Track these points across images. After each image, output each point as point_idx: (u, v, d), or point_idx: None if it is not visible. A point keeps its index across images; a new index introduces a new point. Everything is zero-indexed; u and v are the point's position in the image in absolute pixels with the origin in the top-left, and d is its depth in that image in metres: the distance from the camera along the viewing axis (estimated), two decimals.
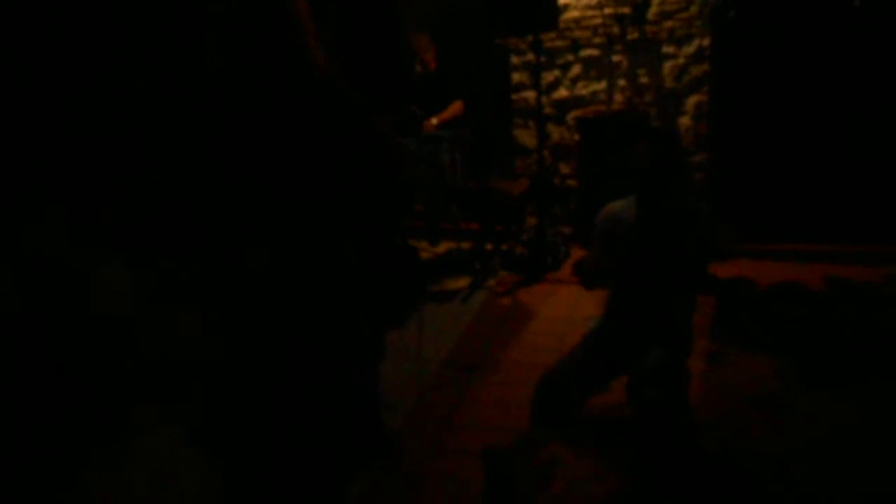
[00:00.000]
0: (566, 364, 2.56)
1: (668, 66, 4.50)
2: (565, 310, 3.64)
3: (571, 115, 4.78)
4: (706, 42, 4.38)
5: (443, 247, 4.65)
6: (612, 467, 2.32)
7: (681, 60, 4.47)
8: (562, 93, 4.81)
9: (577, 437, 2.47)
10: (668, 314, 2.43)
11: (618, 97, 4.65)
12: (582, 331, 2.78)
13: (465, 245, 4.54)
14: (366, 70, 2.25)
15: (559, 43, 4.72)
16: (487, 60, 4.95)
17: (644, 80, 4.57)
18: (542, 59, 4.51)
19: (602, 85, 4.68)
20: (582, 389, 2.53)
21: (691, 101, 4.49)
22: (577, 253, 4.33)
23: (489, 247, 4.46)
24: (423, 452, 2.47)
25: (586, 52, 4.69)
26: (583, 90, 4.76)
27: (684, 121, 4.53)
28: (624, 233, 2.43)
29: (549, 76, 4.78)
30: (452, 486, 2.29)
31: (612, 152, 4.16)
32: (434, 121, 4.32)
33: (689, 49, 4.43)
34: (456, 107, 4.41)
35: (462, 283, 4.10)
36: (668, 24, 4.43)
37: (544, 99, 4.67)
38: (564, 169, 4.93)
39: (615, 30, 4.51)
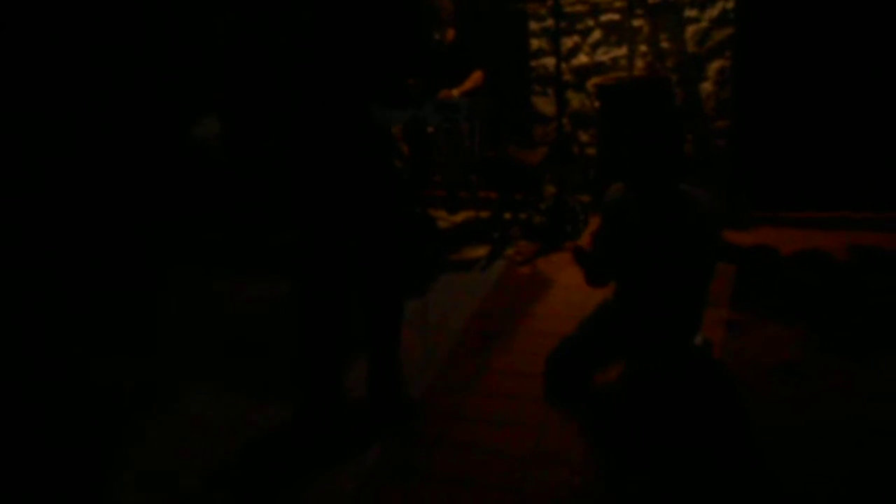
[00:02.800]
0: (575, 338, 2.57)
1: (690, 30, 4.40)
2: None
3: (591, 82, 4.70)
4: (730, 5, 4.27)
5: (461, 216, 4.64)
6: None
7: (704, 24, 4.36)
8: (581, 59, 4.73)
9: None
10: (667, 307, 2.38)
11: (639, 63, 4.56)
12: (600, 300, 2.78)
13: (484, 214, 4.53)
14: (373, 35, 2.22)
15: (579, 7, 4.63)
16: (505, 26, 4.88)
17: (665, 45, 4.48)
18: (562, 24, 4.43)
19: (623, 51, 4.59)
20: (591, 363, 2.54)
21: (714, 66, 4.40)
22: (597, 222, 4.30)
23: (508, 216, 4.45)
24: (442, 420, 2.51)
25: (607, 17, 4.60)
26: (603, 56, 4.67)
27: (706, 86, 4.44)
28: (622, 223, 2.38)
29: (568, 42, 4.69)
30: (471, 454, 2.32)
31: (632, 121, 4.09)
32: (455, 93, 4.28)
33: (713, 12, 4.33)
34: (476, 77, 4.36)
35: (481, 252, 4.10)
36: None
37: (564, 65, 4.60)
38: (584, 137, 4.87)
39: None
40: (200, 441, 2.49)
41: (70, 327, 3.33)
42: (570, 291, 3.52)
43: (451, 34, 4.43)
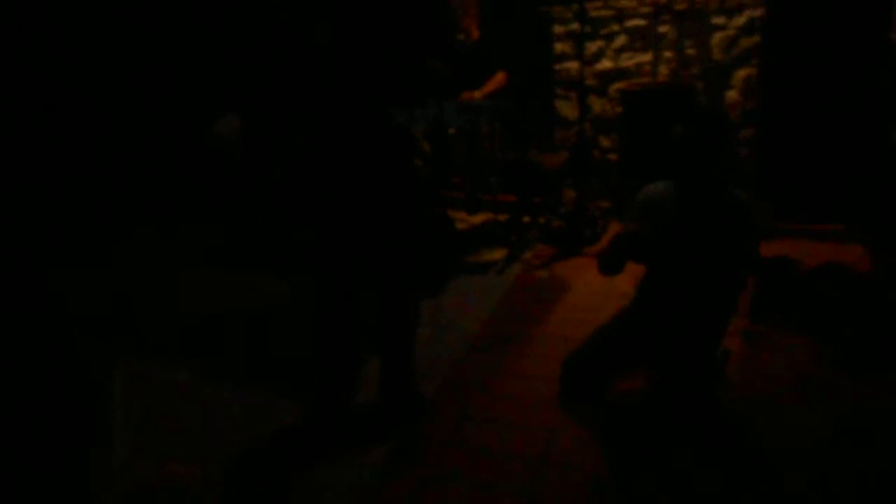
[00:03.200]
0: (593, 342, 2.56)
1: (716, 37, 4.37)
2: (601, 285, 3.60)
3: (614, 87, 4.68)
4: (758, 13, 4.23)
5: (480, 218, 4.64)
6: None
7: (731, 32, 4.33)
8: (605, 64, 4.71)
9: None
10: (697, 312, 2.37)
11: (663, 69, 4.54)
12: (617, 306, 2.76)
13: (503, 217, 4.53)
14: (397, 37, 2.23)
15: (604, 12, 4.61)
16: (529, 29, 4.87)
17: (691, 51, 4.45)
18: (587, 28, 4.42)
19: (647, 56, 4.57)
20: (608, 369, 2.52)
21: (740, 74, 4.36)
22: (616, 227, 4.28)
23: (526, 219, 4.44)
24: (454, 421, 2.51)
25: (632, 22, 4.58)
26: (627, 61, 4.65)
27: (731, 94, 4.41)
28: (660, 219, 2.37)
29: (592, 46, 4.68)
30: (482, 455, 2.32)
31: (655, 127, 4.07)
32: (477, 94, 4.28)
33: (740, 20, 4.29)
34: (499, 78, 4.35)
35: (498, 254, 4.09)
36: None
37: (587, 70, 4.58)
38: (605, 142, 4.85)
39: None
40: (215, 435, 2.51)
41: (86, 327, 3.35)
42: (587, 297, 3.50)
43: (475, 34, 4.44)
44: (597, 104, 4.79)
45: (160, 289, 3.88)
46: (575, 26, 4.56)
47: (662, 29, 4.48)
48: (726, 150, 2.30)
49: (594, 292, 3.53)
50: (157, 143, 4.86)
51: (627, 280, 3.50)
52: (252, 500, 2.21)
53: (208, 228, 4.74)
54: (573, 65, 4.69)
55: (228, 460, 2.37)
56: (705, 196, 2.31)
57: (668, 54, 4.51)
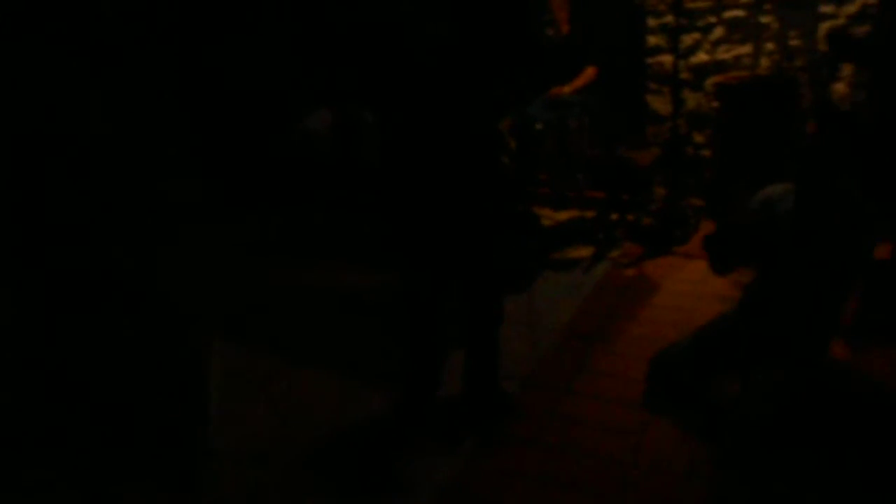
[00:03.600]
0: (684, 345, 2.48)
1: (825, 27, 4.13)
2: (691, 285, 3.50)
3: (710, 81, 4.51)
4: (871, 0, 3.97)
5: (566, 215, 4.58)
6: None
7: (840, 21, 4.08)
8: (701, 57, 4.54)
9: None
10: (808, 316, 2.26)
11: (763, 62, 4.33)
12: (708, 308, 2.68)
13: (590, 214, 4.45)
14: (487, 34, 2.23)
15: (701, 3, 4.45)
16: (621, 22, 4.76)
17: (795, 42, 4.23)
18: (682, 20, 4.28)
19: (747, 48, 4.37)
20: (700, 370, 2.44)
21: (849, 65, 4.10)
22: (708, 227, 4.13)
23: (614, 217, 4.35)
24: (537, 419, 2.50)
25: (731, 13, 4.39)
26: (725, 54, 4.47)
27: (839, 87, 4.15)
28: (778, 224, 2.26)
29: (687, 39, 4.52)
30: (566, 454, 2.30)
31: (755, 123, 3.90)
32: (566, 89, 4.23)
33: (851, 8, 4.03)
34: (589, 73, 4.28)
35: (584, 252, 4.03)
36: None
37: (681, 63, 4.44)
38: (699, 138, 4.68)
39: None
40: (301, 422, 2.59)
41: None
42: (676, 297, 3.40)
43: (565, 29, 4.38)
44: (691, 99, 4.63)
45: (242, 277, 4.01)
46: (669, 18, 4.43)
47: (764, 19, 4.28)
48: (861, 157, 2.14)
49: (684, 293, 3.43)
50: (248, 137, 5.03)
51: (719, 282, 3.38)
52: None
53: (296, 220, 4.88)
54: (667, 58, 4.55)
55: (313, 447, 2.45)
56: (829, 203, 2.17)
57: (769, 46, 4.30)
